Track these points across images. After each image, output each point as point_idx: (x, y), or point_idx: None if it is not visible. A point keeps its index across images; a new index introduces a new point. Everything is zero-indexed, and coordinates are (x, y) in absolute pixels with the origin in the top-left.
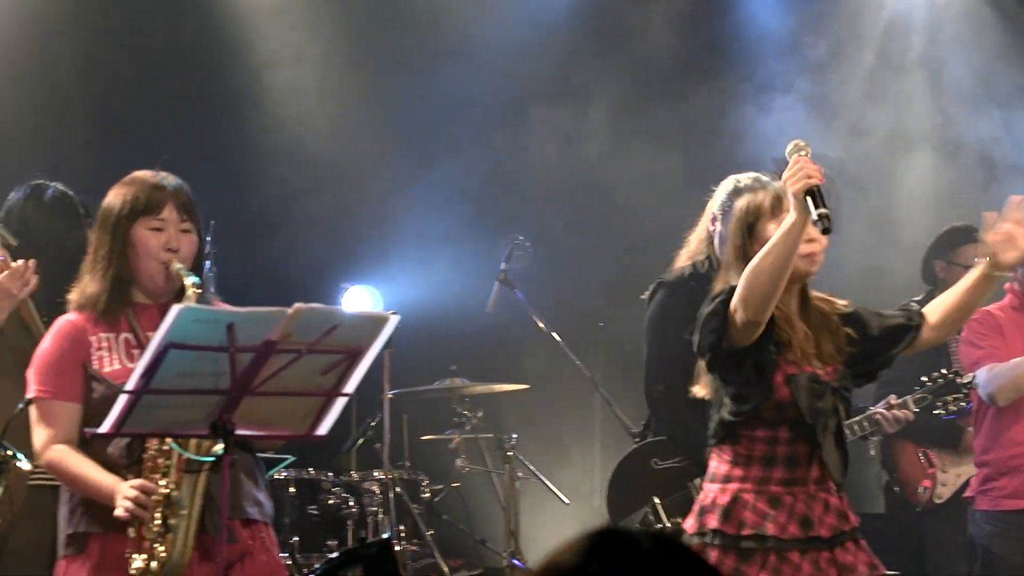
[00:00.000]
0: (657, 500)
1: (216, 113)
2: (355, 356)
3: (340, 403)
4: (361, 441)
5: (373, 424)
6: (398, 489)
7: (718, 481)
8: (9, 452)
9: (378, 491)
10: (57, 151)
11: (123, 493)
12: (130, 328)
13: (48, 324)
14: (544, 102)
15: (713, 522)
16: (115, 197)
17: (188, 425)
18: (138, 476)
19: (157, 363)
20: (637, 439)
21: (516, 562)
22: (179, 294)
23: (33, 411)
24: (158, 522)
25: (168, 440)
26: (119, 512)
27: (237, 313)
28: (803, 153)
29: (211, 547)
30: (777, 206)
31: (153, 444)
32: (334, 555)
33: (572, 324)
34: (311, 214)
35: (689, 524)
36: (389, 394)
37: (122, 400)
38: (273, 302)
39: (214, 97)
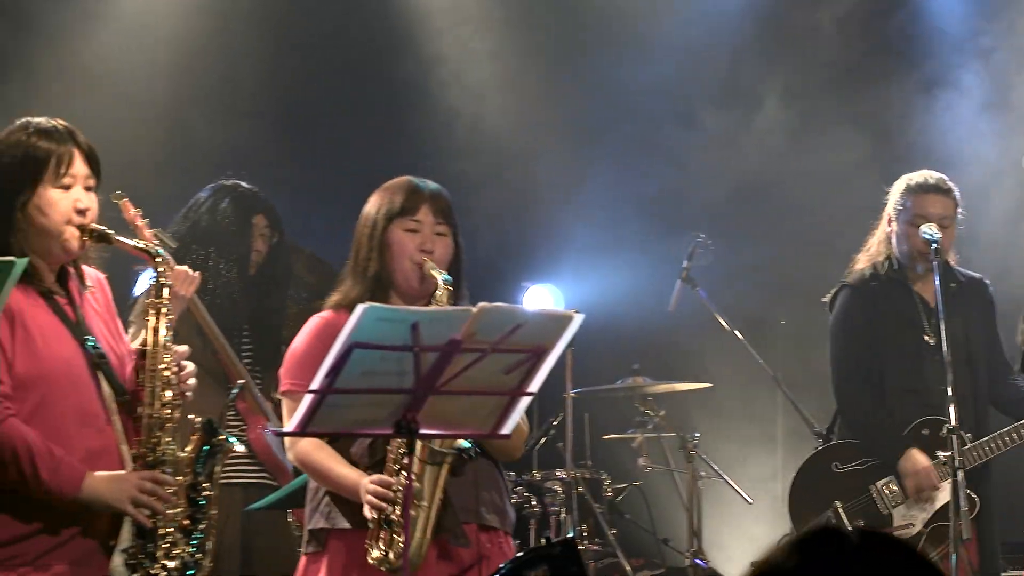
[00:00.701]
0: (839, 504)
1: (392, 110)
2: (539, 355)
3: (524, 402)
4: (543, 440)
5: (555, 423)
6: (580, 488)
7: None
8: (222, 436)
9: (560, 490)
10: (240, 150)
11: (365, 488)
12: None
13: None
14: (720, 98)
15: None
16: (374, 202)
17: (373, 424)
18: (380, 474)
19: (342, 363)
20: (820, 438)
21: (699, 562)
22: (432, 298)
23: (285, 405)
24: (399, 512)
25: None
26: (366, 511)
27: (421, 312)
28: None
29: (449, 549)
30: None
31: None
32: (519, 554)
33: (753, 322)
34: (489, 212)
35: None
36: (571, 393)
37: (307, 399)
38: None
39: (390, 94)
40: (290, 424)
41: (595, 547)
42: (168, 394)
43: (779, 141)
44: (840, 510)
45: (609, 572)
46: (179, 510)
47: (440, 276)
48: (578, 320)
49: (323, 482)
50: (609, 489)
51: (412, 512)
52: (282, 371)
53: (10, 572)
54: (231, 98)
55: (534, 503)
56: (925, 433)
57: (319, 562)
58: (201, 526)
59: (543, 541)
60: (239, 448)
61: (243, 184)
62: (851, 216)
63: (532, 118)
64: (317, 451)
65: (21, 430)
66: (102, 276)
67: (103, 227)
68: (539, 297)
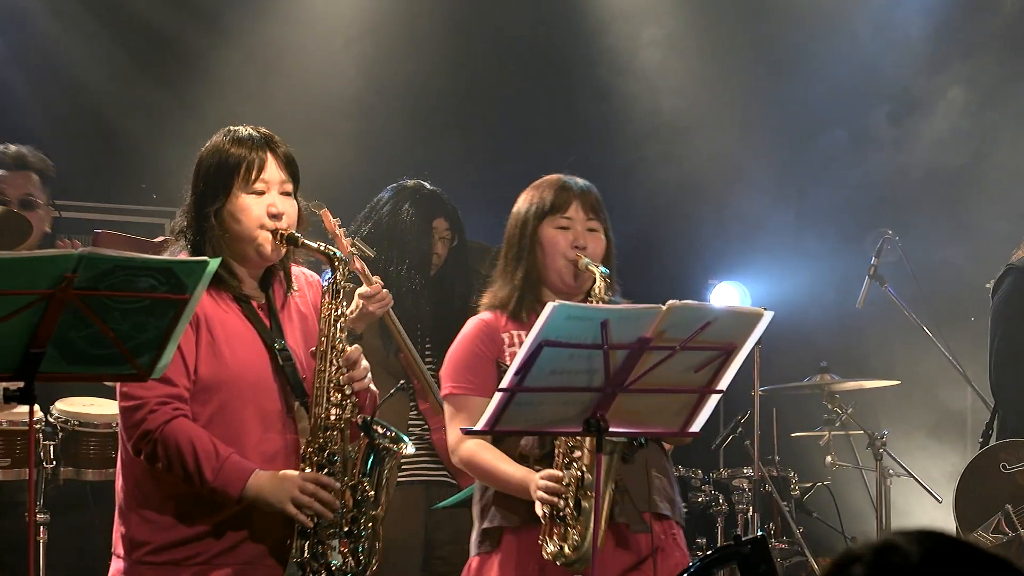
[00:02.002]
0: (1010, 507)
1: (577, 108)
2: (729, 353)
3: (713, 400)
4: (730, 438)
5: (742, 421)
6: (767, 486)
7: None
8: (390, 434)
9: (747, 488)
10: (425, 147)
11: (536, 484)
12: None
13: None
14: (903, 93)
15: None
16: (524, 201)
17: (562, 422)
18: (549, 467)
19: (531, 361)
20: (980, 440)
21: None
22: (588, 294)
23: (447, 408)
24: (572, 505)
25: None
26: (537, 507)
27: (611, 310)
28: None
29: (627, 537)
30: None
31: None
32: (709, 552)
33: (942, 319)
34: (673, 210)
35: None
36: (760, 391)
37: (497, 398)
38: (639, 298)
39: (575, 93)
40: (479, 423)
41: (782, 545)
42: (337, 396)
43: (962, 136)
44: (1011, 513)
45: (796, 571)
46: (344, 511)
47: (598, 269)
48: (767, 317)
49: (490, 482)
50: (796, 487)
51: (586, 504)
52: (442, 373)
53: (185, 571)
54: (417, 96)
55: (721, 501)
56: None
57: (492, 561)
58: (365, 527)
59: (733, 539)
60: (408, 450)
61: (425, 185)
62: None
63: (720, 115)
64: (482, 451)
65: (187, 429)
66: (316, 277)
67: (292, 231)
68: (726, 294)
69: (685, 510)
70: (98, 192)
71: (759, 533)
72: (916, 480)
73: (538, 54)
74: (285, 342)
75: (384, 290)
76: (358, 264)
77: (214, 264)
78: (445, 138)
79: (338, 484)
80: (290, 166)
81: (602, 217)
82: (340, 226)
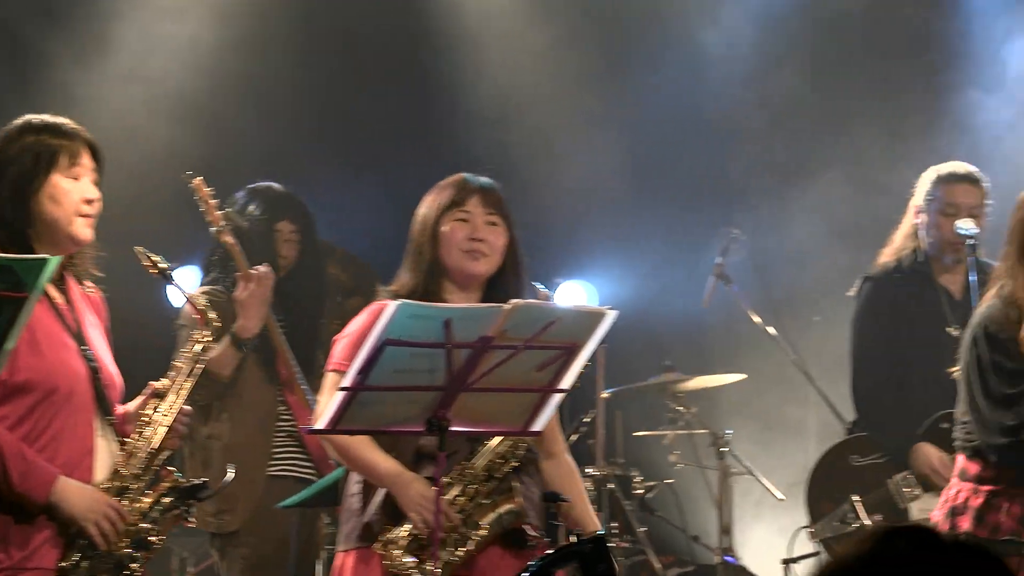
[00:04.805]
0: (856, 498)
1: (429, 110)
2: (572, 352)
3: (556, 399)
4: (574, 437)
5: (587, 420)
6: (611, 485)
7: (970, 480)
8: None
9: (591, 487)
10: (277, 148)
11: (418, 501)
12: None
13: None
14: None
15: (966, 524)
16: (427, 200)
17: (404, 422)
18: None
19: (373, 360)
20: (849, 433)
21: (729, 559)
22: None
23: (329, 380)
24: (455, 538)
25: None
26: (416, 519)
27: (453, 309)
28: None
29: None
30: None
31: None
32: (549, 551)
33: (787, 318)
34: (519, 208)
35: (939, 522)
36: (604, 393)
37: (339, 397)
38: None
39: (423, 88)
40: (320, 422)
41: (625, 544)
42: (157, 439)
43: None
44: (857, 504)
45: (638, 570)
46: (122, 544)
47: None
48: (611, 317)
49: (357, 469)
50: (639, 486)
51: (464, 533)
52: (334, 350)
53: None
54: (269, 96)
55: (565, 499)
56: (944, 427)
57: (373, 561)
58: (133, 565)
59: (573, 538)
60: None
61: (275, 186)
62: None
63: (569, 116)
64: (356, 437)
65: None
66: (98, 295)
67: (167, 267)
68: (571, 293)
69: None
70: None
71: (598, 531)
72: (757, 478)
73: (384, 53)
74: (91, 349)
75: (263, 269)
76: (229, 238)
77: (54, 262)
78: (298, 138)
79: (132, 518)
80: (98, 155)
81: (503, 213)
82: (213, 196)
